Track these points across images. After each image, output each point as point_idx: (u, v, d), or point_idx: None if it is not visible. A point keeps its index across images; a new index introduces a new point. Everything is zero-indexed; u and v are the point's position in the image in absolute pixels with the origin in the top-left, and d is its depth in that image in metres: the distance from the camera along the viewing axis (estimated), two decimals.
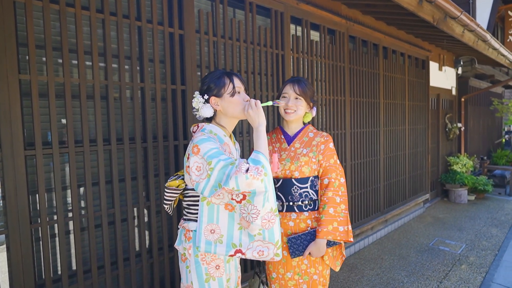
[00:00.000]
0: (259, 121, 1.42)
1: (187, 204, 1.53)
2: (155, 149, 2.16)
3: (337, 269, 1.84)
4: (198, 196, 1.44)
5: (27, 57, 1.70)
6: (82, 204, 1.98)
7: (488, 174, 7.43)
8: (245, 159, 1.33)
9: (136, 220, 2.16)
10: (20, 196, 1.65)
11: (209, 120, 1.55)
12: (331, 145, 1.81)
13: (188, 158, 1.39)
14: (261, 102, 1.46)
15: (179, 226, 1.56)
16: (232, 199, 1.34)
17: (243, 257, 1.39)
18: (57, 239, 1.83)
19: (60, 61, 1.82)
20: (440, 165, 6.41)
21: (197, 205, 1.45)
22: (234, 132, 2.63)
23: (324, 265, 1.79)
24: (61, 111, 1.86)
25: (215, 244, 1.37)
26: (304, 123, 1.89)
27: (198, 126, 1.52)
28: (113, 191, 1.98)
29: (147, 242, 2.17)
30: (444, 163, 6.54)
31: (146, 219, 2.16)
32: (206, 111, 1.47)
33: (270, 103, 1.57)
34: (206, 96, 1.46)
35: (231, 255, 1.38)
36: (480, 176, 6.39)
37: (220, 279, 1.45)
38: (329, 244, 1.74)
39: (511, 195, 6.62)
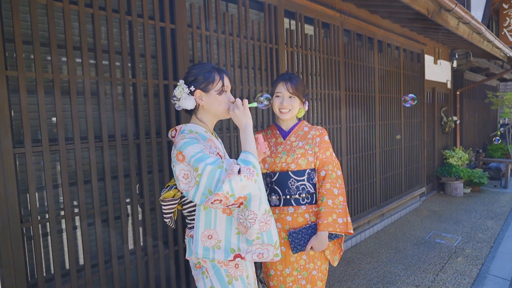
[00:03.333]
0: (246, 122, 1.39)
1: (188, 212, 1.49)
2: (148, 146, 2.14)
3: (335, 264, 1.84)
4: None
5: (14, 53, 1.66)
6: (74, 202, 1.95)
7: (483, 167, 7.47)
8: (234, 160, 1.31)
9: (130, 218, 2.14)
10: (10, 195, 1.62)
11: (188, 113, 1.51)
12: (326, 137, 1.83)
13: (174, 166, 1.32)
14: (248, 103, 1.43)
15: (186, 236, 1.52)
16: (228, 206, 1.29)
17: (243, 260, 1.37)
18: (49, 238, 1.81)
19: (49, 57, 1.78)
20: (436, 158, 6.43)
21: None
22: (227, 128, 2.64)
23: (322, 260, 1.79)
24: (51, 108, 1.82)
25: (213, 250, 1.34)
26: (298, 119, 1.90)
27: (176, 130, 1.46)
28: (105, 189, 1.96)
29: (141, 239, 2.15)
30: (439, 156, 6.56)
31: (140, 216, 2.14)
32: (188, 103, 1.42)
33: (255, 104, 1.52)
34: (192, 88, 1.41)
35: (231, 260, 1.36)
36: (476, 169, 6.42)
37: (242, 277, 1.42)
38: (331, 237, 1.73)
39: (506, 188, 6.67)
